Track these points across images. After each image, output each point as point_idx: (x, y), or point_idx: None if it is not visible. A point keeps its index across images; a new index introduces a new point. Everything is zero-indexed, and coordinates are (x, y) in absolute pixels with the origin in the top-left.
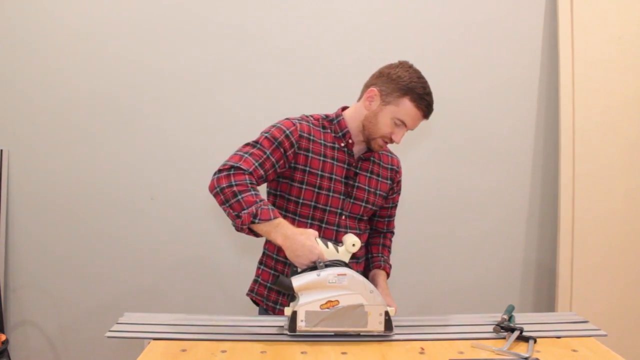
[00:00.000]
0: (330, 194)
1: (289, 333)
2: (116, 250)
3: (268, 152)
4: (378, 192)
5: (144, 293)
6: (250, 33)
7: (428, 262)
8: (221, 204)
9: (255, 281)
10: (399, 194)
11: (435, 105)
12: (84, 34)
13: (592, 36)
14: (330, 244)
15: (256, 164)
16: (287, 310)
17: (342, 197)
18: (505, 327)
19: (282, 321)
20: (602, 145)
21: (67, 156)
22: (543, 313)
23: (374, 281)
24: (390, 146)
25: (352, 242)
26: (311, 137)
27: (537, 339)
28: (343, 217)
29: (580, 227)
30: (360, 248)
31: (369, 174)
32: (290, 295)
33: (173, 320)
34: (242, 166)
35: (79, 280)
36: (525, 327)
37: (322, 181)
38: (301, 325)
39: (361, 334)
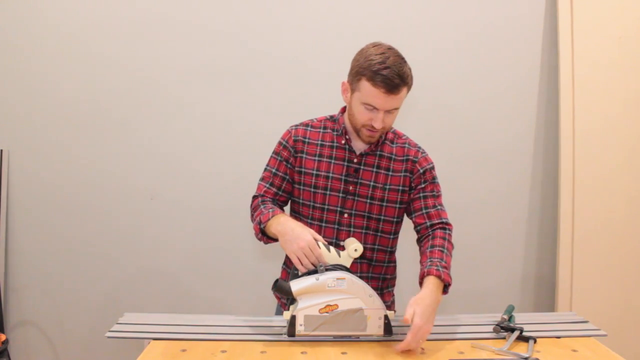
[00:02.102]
0: (327, 192)
1: (287, 337)
2: (116, 250)
3: (274, 170)
4: (388, 186)
5: (144, 293)
6: (249, 34)
7: None
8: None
9: None
10: (432, 183)
11: (434, 107)
12: (83, 34)
13: (592, 36)
14: (332, 249)
15: (266, 186)
16: (286, 315)
17: (341, 195)
18: (505, 327)
19: (282, 321)
20: (602, 146)
21: (67, 156)
22: (543, 313)
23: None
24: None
25: (354, 248)
26: (306, 140)
27: (537, 339)
28: (345, 215)
29: (580, 228)
30: (365, 251)
31: (374, 169)
32: (290, 299)
33: (173, 320)
34: (255, 194)
35: (79, 280)
36: (525, 327)
37: (318, 180)
38: (300, 329)
39: (360, 338)
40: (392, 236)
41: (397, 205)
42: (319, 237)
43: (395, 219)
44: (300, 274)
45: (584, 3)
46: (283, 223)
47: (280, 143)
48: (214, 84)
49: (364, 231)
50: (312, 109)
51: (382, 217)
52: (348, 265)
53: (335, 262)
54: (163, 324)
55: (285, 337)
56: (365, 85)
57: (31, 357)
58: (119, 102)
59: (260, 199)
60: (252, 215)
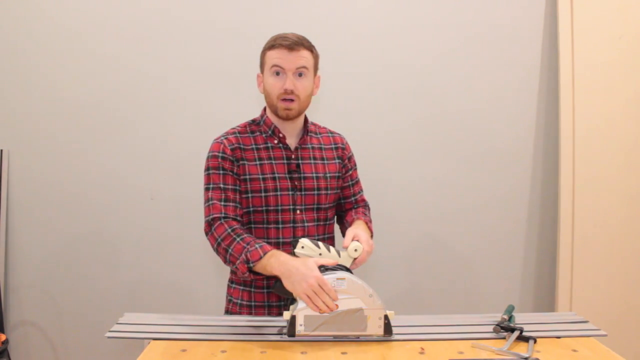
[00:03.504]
0: (278, 193)
1: (287, 337)
2: (116, 250)
3: (222, 184)
4: (328, 175)
5: (144, 293)
6: (252, 34)
7: (429, 262)
8: (224, 263)
9: (229, 301)
10: (355, 169)
11: (434, 107)
12: (83, 34)
13: (592, 36)
14: (332, 249)
15: (222, 203)
16: (286, 315)
17: (290, 192)
18: (505, 327)
19: (282, 321)
20: (602, 146)
21: (67, 156)
22: (543, 313)
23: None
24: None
25: (354, 248)
26: (241, 146)
27: (537, 339)
28: (297, 211)
29: (580, 227)
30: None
31: (312, 161)
32: (290, 300)
33: (173, 320)
34: (214, 216)
35: (79, 280)
36: (525, 327)
37: (266, 184)
38: (300, 329)
39: (360, 338)
40: (331, 221)
41: (336, 192)
42: (316, 262)
43: (333, 204)
44: (298, 299)
45: (584, 3)
46: (285, 263)
47: (215, 156)
48: (215, 84)
49: (315, 224)
50: (312, 108)
51: (327, 206)
52: (348, 265)
53: (335, 262)
54: (163, 324)
55: (285, 337)
56: (268, 54)
57: (31, 357)
58: (119, 102)
59: (226, 225)
60: (219, 246)
